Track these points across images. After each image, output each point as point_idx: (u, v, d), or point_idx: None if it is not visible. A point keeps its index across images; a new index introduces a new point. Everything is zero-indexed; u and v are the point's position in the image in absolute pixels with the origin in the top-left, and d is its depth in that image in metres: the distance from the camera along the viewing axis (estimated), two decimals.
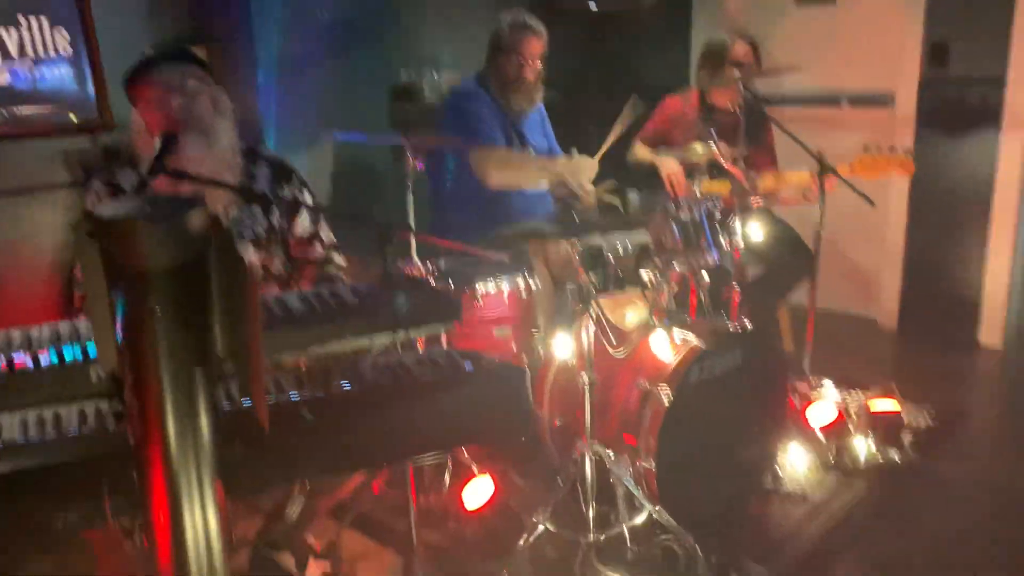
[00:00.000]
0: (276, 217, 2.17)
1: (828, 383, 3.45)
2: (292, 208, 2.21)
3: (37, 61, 2.75)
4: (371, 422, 1.69)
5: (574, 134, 4.11)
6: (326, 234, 2.28)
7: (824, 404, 3.00)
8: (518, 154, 3.15)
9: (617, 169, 3.72)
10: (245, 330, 1.28)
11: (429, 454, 2.14)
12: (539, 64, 3.23)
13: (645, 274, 2.56)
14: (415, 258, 2.46)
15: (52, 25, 2.77)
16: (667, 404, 2.31)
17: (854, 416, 3.16)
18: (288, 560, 2.33)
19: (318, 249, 2.26)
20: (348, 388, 1.69)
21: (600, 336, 2.44)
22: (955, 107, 3.93)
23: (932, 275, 4.15)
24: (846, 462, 2.89)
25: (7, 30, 2.68)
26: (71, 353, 1.36)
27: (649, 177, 3.73)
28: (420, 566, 2.34)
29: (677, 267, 2.60)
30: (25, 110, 2.75)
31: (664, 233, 2.63)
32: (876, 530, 2.57)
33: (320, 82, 3.22)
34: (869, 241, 4.32)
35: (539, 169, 3.21)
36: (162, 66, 1.99)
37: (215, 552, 1.41)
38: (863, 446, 2.95)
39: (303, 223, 2.24)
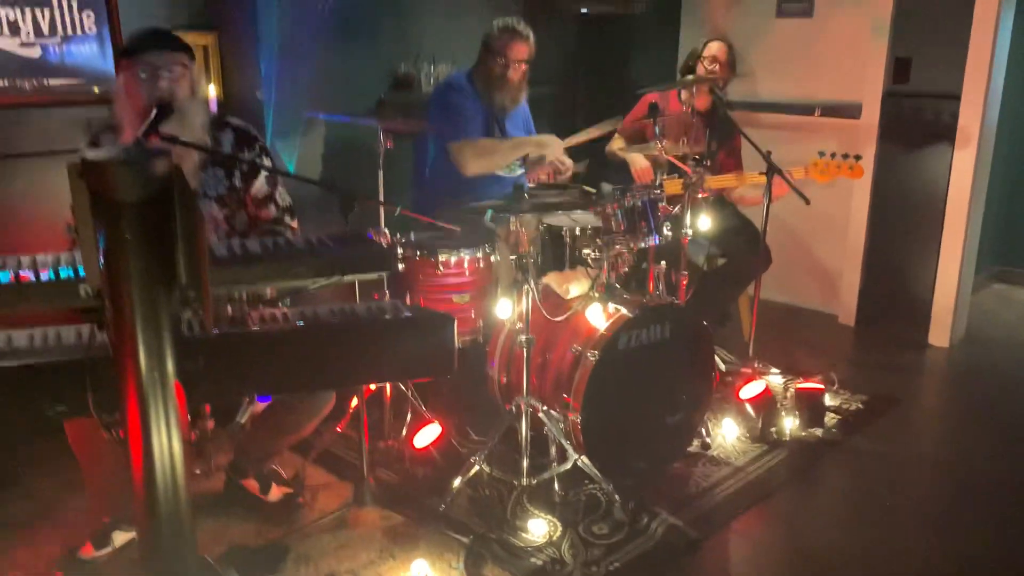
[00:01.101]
0: (237, 179, 2.44)
1: (774, 369, 3.75)
2: (251, 171, 2.46)
3: (66, 38, 3.11)
4: (318, 352, 2.01)
5: (564, 128, 4.42)
6: (281, 197, 2.53)
7: (755, 382, 3.27)
8: (490, 141, 3.44)
9: (594, 164, 4.04)
10: (199, 259, 1.60)
11: (368, 383, 2.48)
12: (524, 67, 3.52)
13: (588, 252, 2.86)
14: (383, 227, 2.78)
15: (80, 7, 3.12)
16: (593, 365, 2.62)
17: (786, 396, 3.45)
18: (253, 485, 2.67)
19: (272, 210, 2.50)
20: (301, 324, 2.01)
21: (540, 303, 2.75)
22: (915, 119, 4.18)
23: (889, 276, 4.41)
24: (772, 435, 3.17)
25: (41, 10, 3.04)
26: (66, 273, 1.71)
27: (622, 171, 4.01)
28: (370, 496, 2.67)
29: (618, 247, 2.89)
30: (54, 82, 3.11)
31: (610, 217, 2.92)
32: (787, 491, 2.86)
33: (319, 70, 3.54)
34: (833, 242, 4.58)
35: (511, 147, 3.49)
36: (155, 50, 2.25)
37: (174, 439, 1.75)
38: (790, 423, 3.23)
39: (260, 185, 2.48)
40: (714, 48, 3.79)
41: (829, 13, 4.45)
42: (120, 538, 2.38)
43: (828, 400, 3.47)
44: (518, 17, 3.52)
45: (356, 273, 1.95)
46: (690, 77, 3.59)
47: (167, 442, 1.78)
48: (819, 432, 3.23)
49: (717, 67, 3.76)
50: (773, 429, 3.19)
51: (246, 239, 2.27)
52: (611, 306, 2.78)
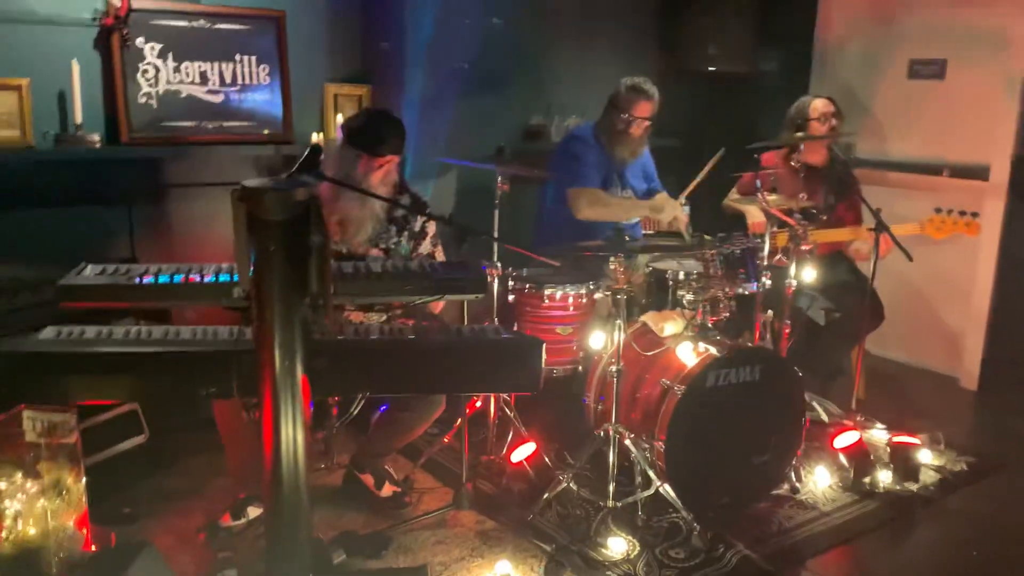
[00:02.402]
0: (405, 238, 2.90)
1: (879, 424, 3.77)
2: (420, 233, 2.95)
3: (244, 88, 3.64)
4: (423, 362, 2.31)
5: (689, 178, 4.63)
6: (440, 254, 3.00)
7: (850, 432, 3.32)
8: (607, 195, 3.70)
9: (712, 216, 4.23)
10: (325, 273, 1.95)
11: (462, 392, 2.77)
12: (647, 124, 3.77)
13: (684, 294, 3.06)
14: (495, 260, 3.10)
15: (258, 61, 3.66)
16: (679, 398, 2.80)
17: (882, 449, 3.46)
18: (369, 480, 3.00)
19: None
20: (412, 338, 2.33)
21: (636, 339, 2.98)
22: None
23: (1015, 341, 4.30)
24: (865, 486, 3.21)
25: (226, 64, 3.59)
26: (224, 278, 2.10)
27: (739, 223, 4.16)
28: (467, 501, 2.95)
29: (713, 291, 3.07)
30: (231, 124, 3.64)
31: (710, 263, 3.12)
32: (870, 539, 2.90)
33: (457, 120, 3.94)
34: (958, 303, 4.52)
35: (627, 208, 3.75)
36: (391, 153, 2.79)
37: (299, 421, 2.09)
38: (886, 476, 3.26)
39: (426, 245, 2.96)
40: (820, 106, 3.91)
41: (961, 75, 4.45)
42: (253, 512, 2.76)
43: (931, 459, 3.46)
44: (645, 78, 3.76)
45: (454, 294, 2.25)
46: (800, 134, 3.73)
47: (292, 424, 2.13)
48: (914, 487, 3.24)
49: (835, 121, 3.87)
50: (867, 480, 3.23)
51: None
52: (702, 346, 2.95)
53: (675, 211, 3.79)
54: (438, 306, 2.85)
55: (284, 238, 1.89)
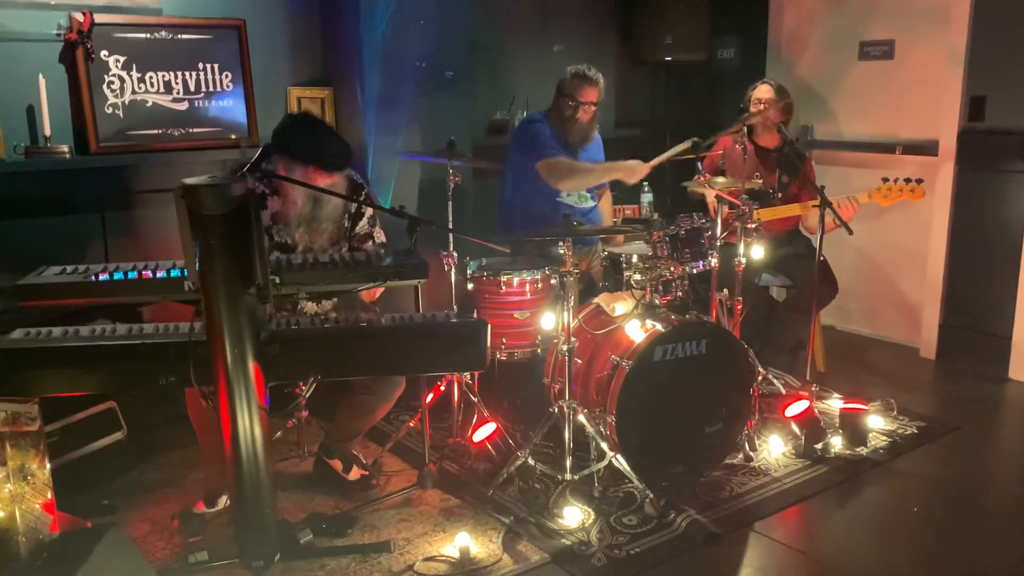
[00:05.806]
0: (346, 219, 3.00)
1: (835, 394, 3.90)
2: (357, 214, 3.05)
3: (208, 95, 3.78)
4: (376, 346, 2.45)
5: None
6: (379, 235, 3.09)
7: (800, 401, 3.45)
8: (578, 162, 3.80)
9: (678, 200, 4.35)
10: (264, 262, 2.09)
11: (412, 373, 2.91)
12: (593, 109, 3.89)
13: (632, 275, 3.19)
14: (451, 250, 3.23)
15: (221, 69, 3.79)
16: (627, 373, 2.93)
17: (835, 417, 3.59)
18: (338, 464, 3.13)
19: (370, 246, 3.05)
20: (364, 325, 2.46)
21: (588, 319, 3.11)
22: (991, 155, 4.24)
23: (969, 310, 4.43)
24: (816, 452, 3.34)
25: (190, 73, 3.72)
26: (176, 272, 2.24)
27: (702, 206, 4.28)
28: (431, 480, 3.09)
29: (660, 271, 3.20)
30: (197, 130, 3.77)
31: (657, 244, 3.24)
32: (816, 501, 3.03)
33: (417, 117, 4.06)
34: (915, 275, 4.65)
35: (602, 171, 3.84)
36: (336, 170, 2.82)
37: (254, 405, 2.23)
38: (838, 442, 3.39)
39: (363, 225, 3.06)
40: (761, 91, 4.07)
41: (909, 54, 4.58)
42: (224, 501, 2.89)
43: (883, 424, 3.60)
44: (589, 64, 3.89)
45: (396, 280, 2.39)
46: (741, 118, 3.87)
47: (247, 408, 2.27)
48: (864, 451, 3.37)
49: (762, 107, 4.02)
50: (818, 446, 3.36)
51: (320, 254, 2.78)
52: (649, 322, 3.08)
53: (641, 174, 3.86)
54: (372, 295, 2.97)
55: (224, 231, 2.02)
